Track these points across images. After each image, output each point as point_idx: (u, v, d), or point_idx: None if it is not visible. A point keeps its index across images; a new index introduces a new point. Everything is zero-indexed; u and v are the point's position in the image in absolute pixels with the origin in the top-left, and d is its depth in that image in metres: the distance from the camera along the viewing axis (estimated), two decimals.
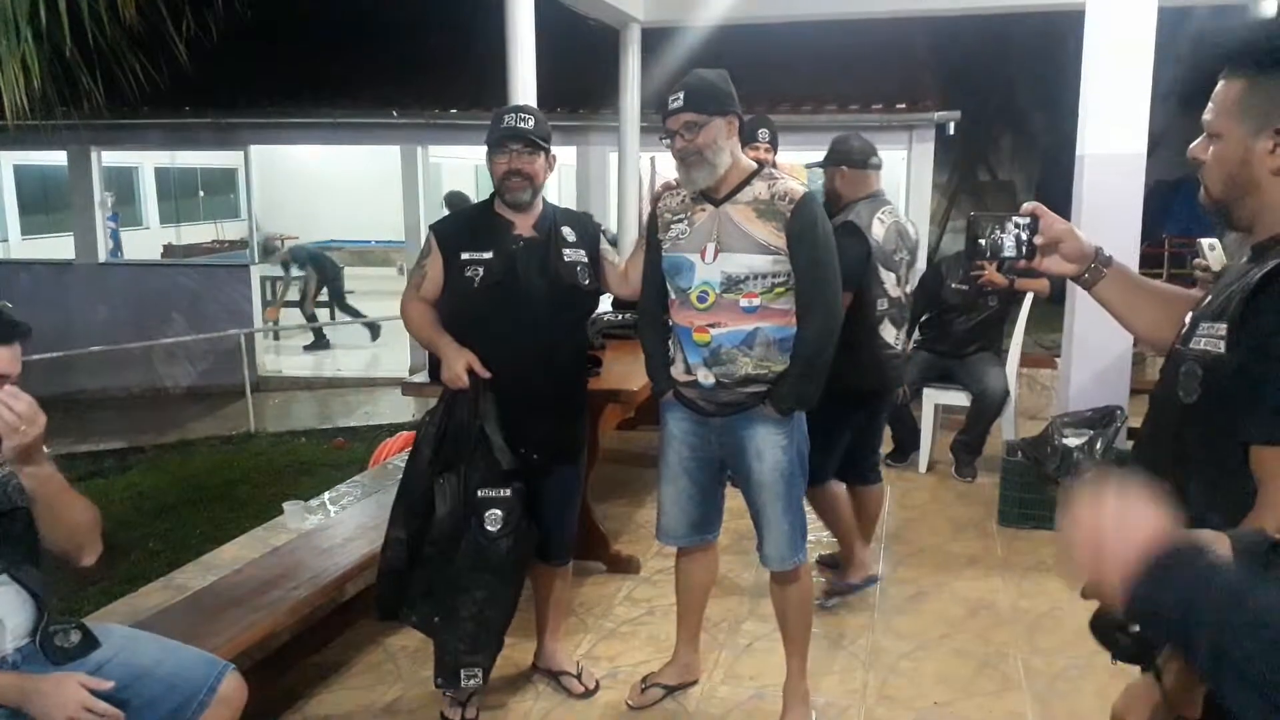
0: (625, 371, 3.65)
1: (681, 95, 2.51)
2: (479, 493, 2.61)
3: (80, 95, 4.97)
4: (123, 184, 14.57)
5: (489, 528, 2.60)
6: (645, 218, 2.84)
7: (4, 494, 1.93)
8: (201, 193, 16.89)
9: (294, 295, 12.14)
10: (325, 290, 11.92)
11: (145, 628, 2.25)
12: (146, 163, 15.30)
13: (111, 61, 4.91)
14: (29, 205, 14.12)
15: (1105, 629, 1.29)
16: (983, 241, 1.59)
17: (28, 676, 1.86)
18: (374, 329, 12.03)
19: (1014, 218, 1.57)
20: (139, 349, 10.58)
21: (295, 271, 11.92)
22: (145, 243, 14.37)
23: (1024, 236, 1.57)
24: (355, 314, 12.12)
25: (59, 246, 13.12)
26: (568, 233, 2.80)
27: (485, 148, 2.73)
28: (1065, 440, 4.24)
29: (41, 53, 4.49)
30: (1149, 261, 11.40)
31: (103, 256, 12.06)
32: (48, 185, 14.03)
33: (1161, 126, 5.53)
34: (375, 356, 11.65)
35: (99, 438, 9.10)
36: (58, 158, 12.10)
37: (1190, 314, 1.41)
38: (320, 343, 12.09)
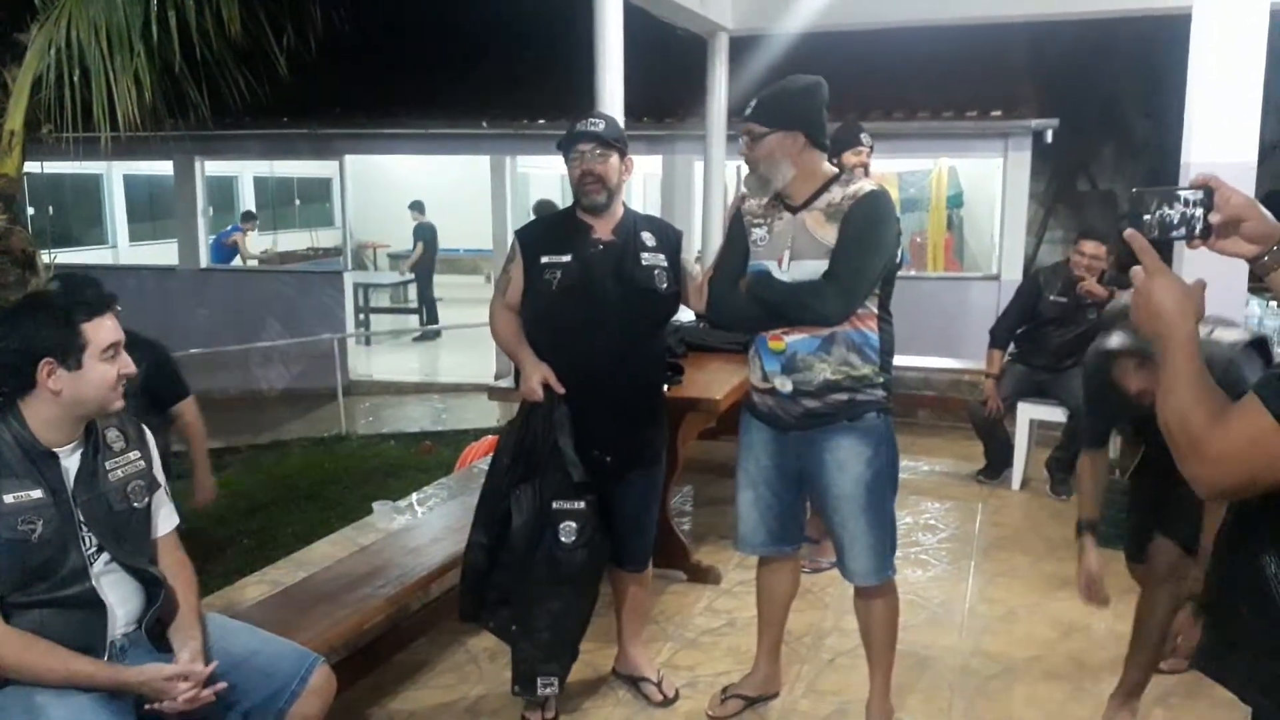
0: (707, 380, 3.63)
1: (753, 103, 2.53)
2: (554, 504, 2.64)
3: (187, 108, 5.17)
4: (223, 192, 15.11)
5: (563, 539, 2.63)
6: (728, 221, 2.83)
7: (124, 496, 2.02)
8: (298, 201, 17.39)
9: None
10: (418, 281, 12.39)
11: (241, 619, 2.32)
12: (246, 172, 15.84)
13: (217, 75, 5.10)
14: (136, 213, 14.73)
15: None
16: (1148, 218, 1.36)
17: (120, 669, 1.92)
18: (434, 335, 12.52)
19: (1183, 192, 1.35)
20: (236, 352, 10.97)
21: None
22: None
23: (1197, 214, 1.34)
24: (430, 310, 12.51)
25: (163, 253, 13.71)
26: (647, 237, 2.80)
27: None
28: None
29: (153, 67, 4.69)
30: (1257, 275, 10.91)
31: (203, 262, 12.53)
32: (154, 194, 14.64)
33: (1274, 134, 5.29)
34: (461, 362, 11.89)
35: None
36: (163, 168, 12.63)
37: None
38: (427, 335, 12.49)
